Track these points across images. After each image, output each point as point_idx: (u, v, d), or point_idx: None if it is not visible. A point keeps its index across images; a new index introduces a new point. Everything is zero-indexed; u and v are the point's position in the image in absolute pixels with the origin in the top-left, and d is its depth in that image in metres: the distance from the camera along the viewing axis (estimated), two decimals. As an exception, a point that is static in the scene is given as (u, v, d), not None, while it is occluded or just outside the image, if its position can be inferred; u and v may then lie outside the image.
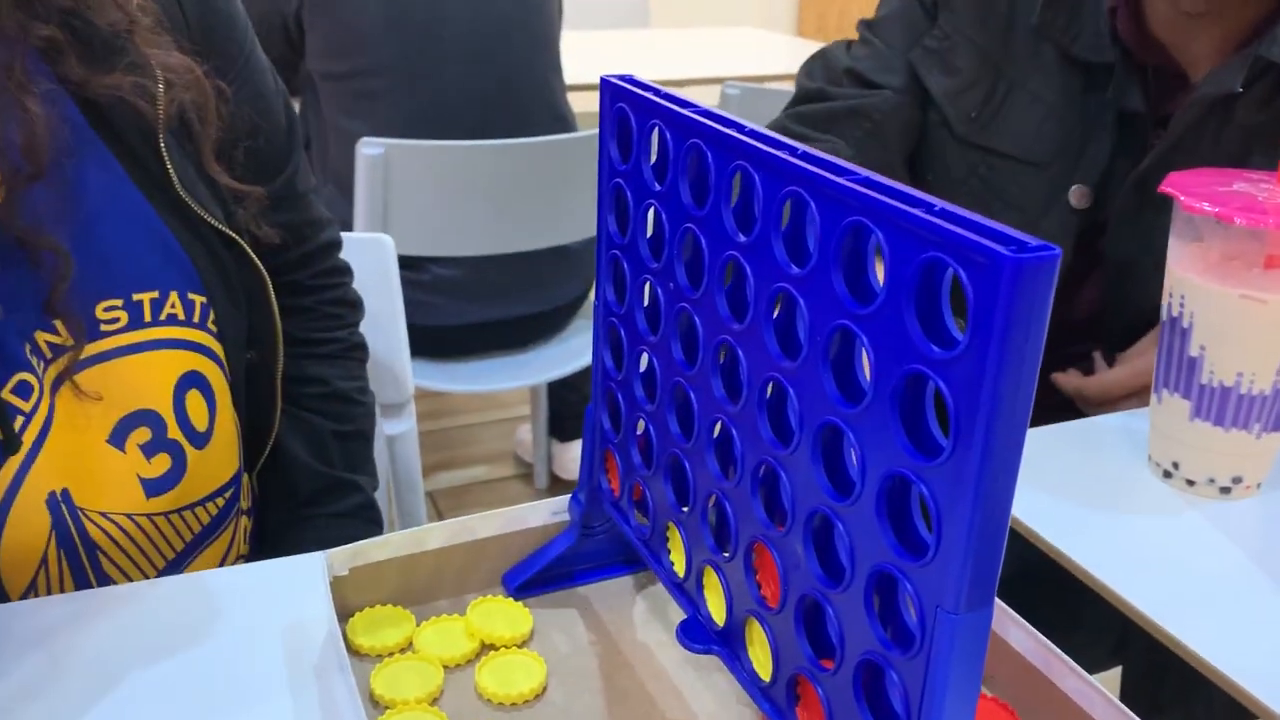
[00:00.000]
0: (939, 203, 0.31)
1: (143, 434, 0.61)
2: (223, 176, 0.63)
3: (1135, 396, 0.81)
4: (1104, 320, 0.86)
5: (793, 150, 0.38)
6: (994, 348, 0.29)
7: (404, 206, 1.45)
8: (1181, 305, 0.64)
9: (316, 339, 0.77)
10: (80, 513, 0.60)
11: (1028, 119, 0.84)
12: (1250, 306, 0.61)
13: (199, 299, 0.63)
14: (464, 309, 1.58)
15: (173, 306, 0.62)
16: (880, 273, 0.34)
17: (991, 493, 0.31)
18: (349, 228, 1.48)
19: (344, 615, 0.54)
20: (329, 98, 1.52)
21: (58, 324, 0.57)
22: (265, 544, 0.74)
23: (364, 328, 0.95)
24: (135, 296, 0.60)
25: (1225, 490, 0.66)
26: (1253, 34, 0.77)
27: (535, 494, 2.01)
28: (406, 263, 1.48)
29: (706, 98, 2.06)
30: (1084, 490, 0.67)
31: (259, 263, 0.67)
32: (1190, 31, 0.79)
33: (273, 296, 0.68)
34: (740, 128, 0.41)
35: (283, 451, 0.73)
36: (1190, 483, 0.67)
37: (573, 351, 1.69)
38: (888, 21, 0.92)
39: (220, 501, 0.67)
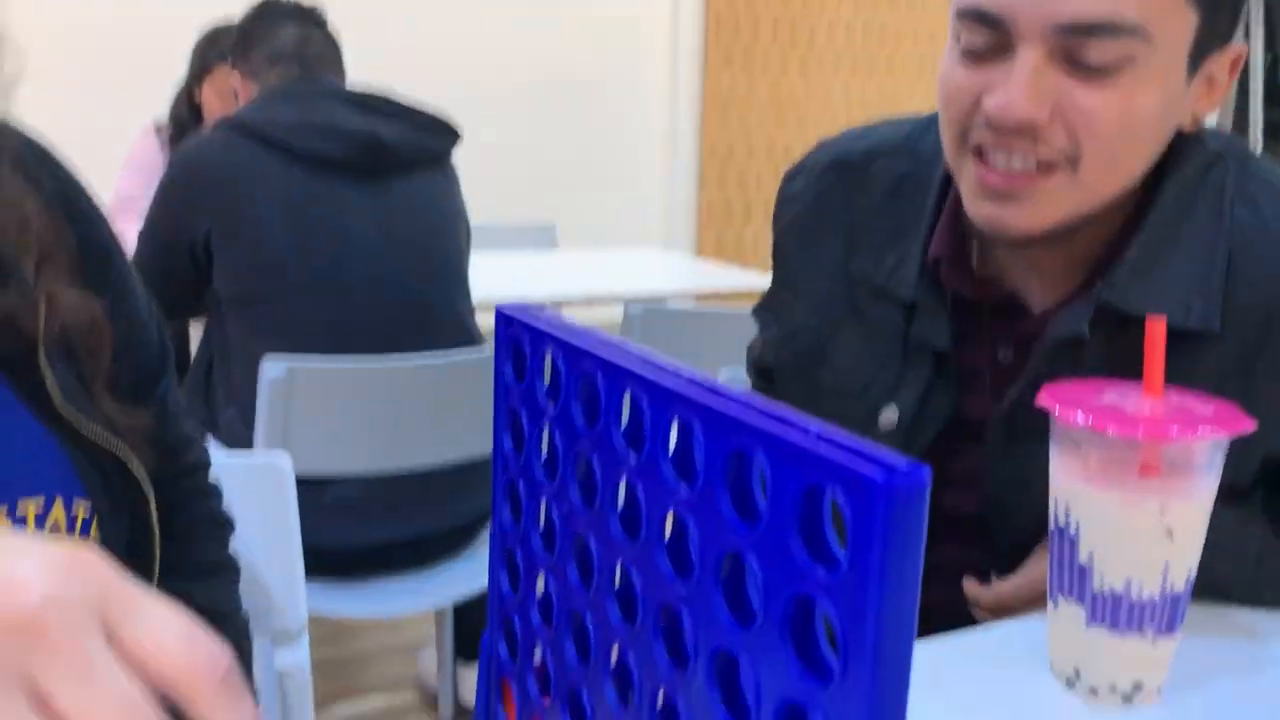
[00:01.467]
0: (816, 426, 0.32)
1: None
2: (110, 406, 0.63)
3: (1031, 605, 0.82)
4: (988, 540, 0.87)
5: (677, 374, 0.39)
6: (874, 567, 0.29)
7: (306, 425, 1.44)
8: (1068, 514, 0.66)
9: (181, 559, 0.74)
10: None
11: (848, 354, 0.90)
12: (1131, 512, 0.63)
13: (82, 508, 0.61)
14: (365, 529, 1.54)
15: (56, 514, 0.60)
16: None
17: (883, 714, 0.30)
18: (249, 448, 1.45)
19: None
20: (234, 319, 1.53)
21: None
22: None
23: (257, 553, 0.92)
24: (21, 505, 0.58)
25: (1127, 698, 0.66)
26: (1087, 269, 0.82)
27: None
28: (306, 483, 1.46)
29: (611, 315, 2.12)
30: (989, 702, 0.66)
31: (143, 477, 0.65)
32: (1024, 270, 0.84)
33: (154, 512, 0.66)
34: (628, 351, 0.42)
35: None
36: (1093, 691, 0.67)
37: (479, 570, 1.65)
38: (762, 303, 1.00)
39: None
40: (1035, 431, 0.82)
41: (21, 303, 0.59)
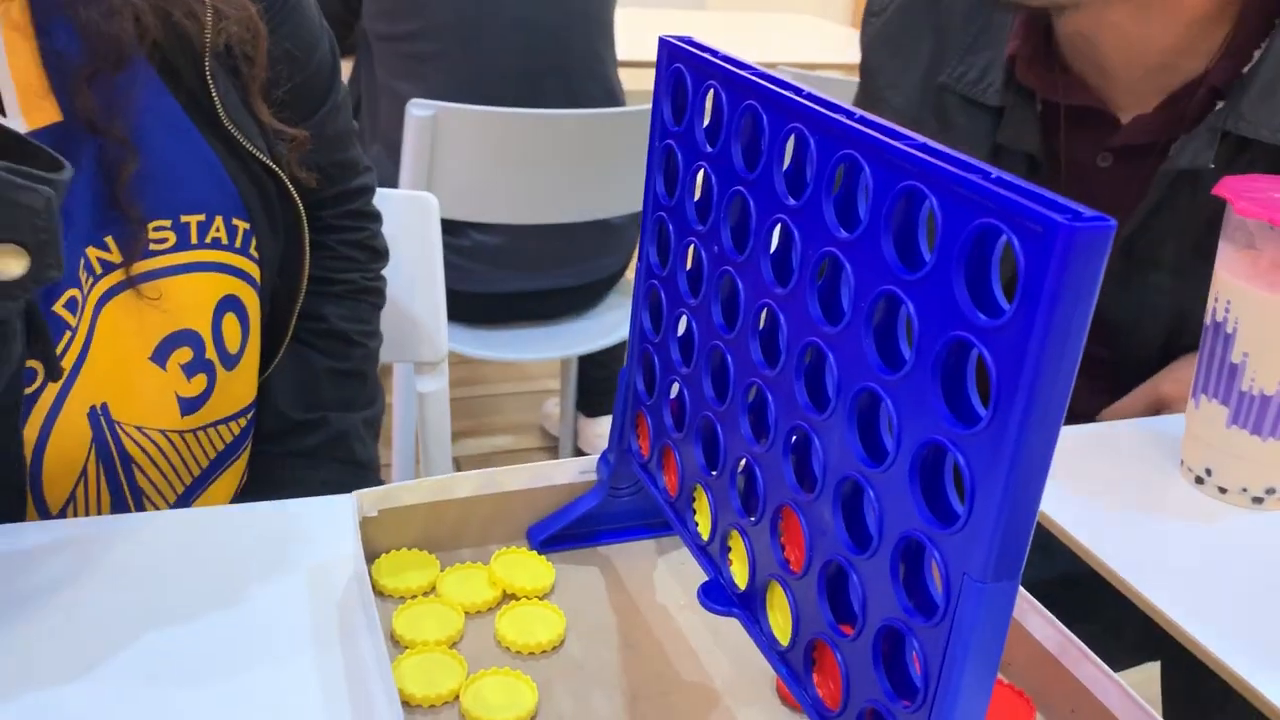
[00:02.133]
0: (995, 170, 0.31)
1: (184, 353, 0.63)
2: (266, 115, 0.64)
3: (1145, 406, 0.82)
4: (1102, 371, 0.85)
5: (850, 114, 0.37)
6: (1041, 317, 0.29)
7: (450, 170, 1.46)
8: (1227, 311, 0.63)
9: (328, 278, 0.78)
10: (118, 427, 0.61)
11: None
12: (1298, 315, 0.60)
13: (242, 225, 0.64)
14: (502, 277, 1.59)
15: (217, 230, 0.63)
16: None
17: (1027, 464, 0.31)
18: (394, 186, 1.49)
19: (370, 556, 0.55)
20: (382, 58, 1.53)
21: (109, 240, 0.58)
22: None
23: (404, 285, 0.95)
24: (183, 218, 0.61)
25: (1258, 500, 0.65)
26: (1171, 78, 0.77)
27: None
28: (448, 227, 1.49)
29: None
30: (1114, 493, 0.66)
31: (297, 197, 0.68)
32: (1100, 73, 0.80)
33: (306, 231, 0.69)
34: (798, 90, 0.41)
35: (267, 383, 0.74)
36: (1222, 490, 0.66)
37: (606, 327, 1.69)
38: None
39: (242, 422, 0.68)
40: (1153, 261, 0.80)
41: (189, 10, 0.60)
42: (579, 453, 2.05)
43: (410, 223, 0.99)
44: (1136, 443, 0.72)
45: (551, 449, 2.11)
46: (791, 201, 0.40)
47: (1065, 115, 0.83)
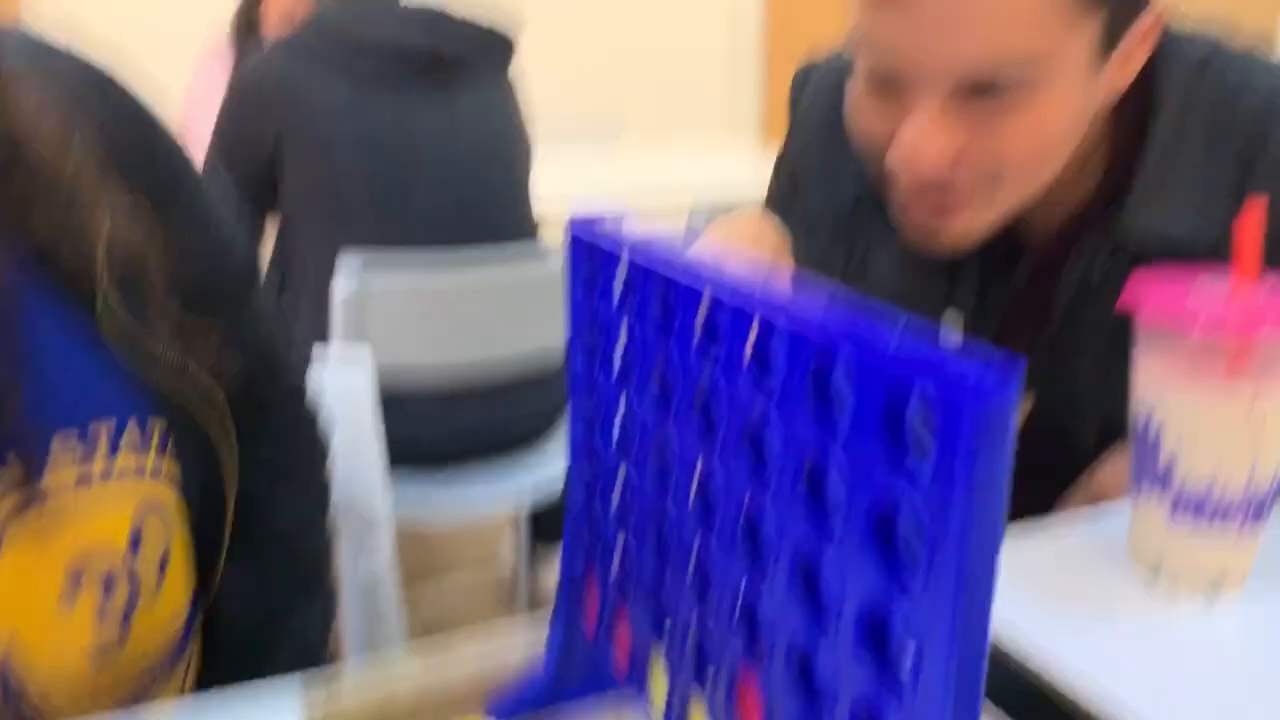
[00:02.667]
0: (902, 328, 0.32)
1: (95, 574, 0.59)
2: (174, 313, 0.63)
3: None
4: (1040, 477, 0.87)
5: (754, 283, 0.38)
6: (962, 468, 0.29)
7: (379, 333, 1.46)
8: (1151, 412, 0.64)
9: (268, 483, 0.75)
10: (25, 683, 0.57)
11: (892, 264, 0.87)
12: (1217, 407, 0.62)
13: (159, 424, 0.62)
14: (444, 419, 1.58)
15: (131, 433, 0.61)
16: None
17: (968, 616, 0.30)
18: (324, 341, 1.48)
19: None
20: (304, 223, 1.55)
21: (10, 457, 0.55)
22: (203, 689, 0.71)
23: (340, 447, 0.93)
24: (92, 425, 0.59)
25: (1210, 589, 0.66)
26: (1082, 190, 0.80)
27: (516, 611, 1.98)
28: (385, 376, 1.49)
29: (678, 204, 2.09)
30: (1066, 593, 0.66)
31: (217, 395, 0.65)
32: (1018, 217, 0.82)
33: (231, 428, 0.67)
34: (701, 259, 0.41)
35: (219, 601, 0.71)
36: (1175, 583, 0.66)
37: (557, 462, 1.68)
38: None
39: (174, 636, 0.64)
40: (1077, 349, 0.82)
41: (82, 227, 0.58)
42: (535, 595, 2.01)
43: (345, 380, 0.98)
44: (1083, 542, 0.73)
45: (507, 594, 2.06)
46: (709, 368, 0.41)
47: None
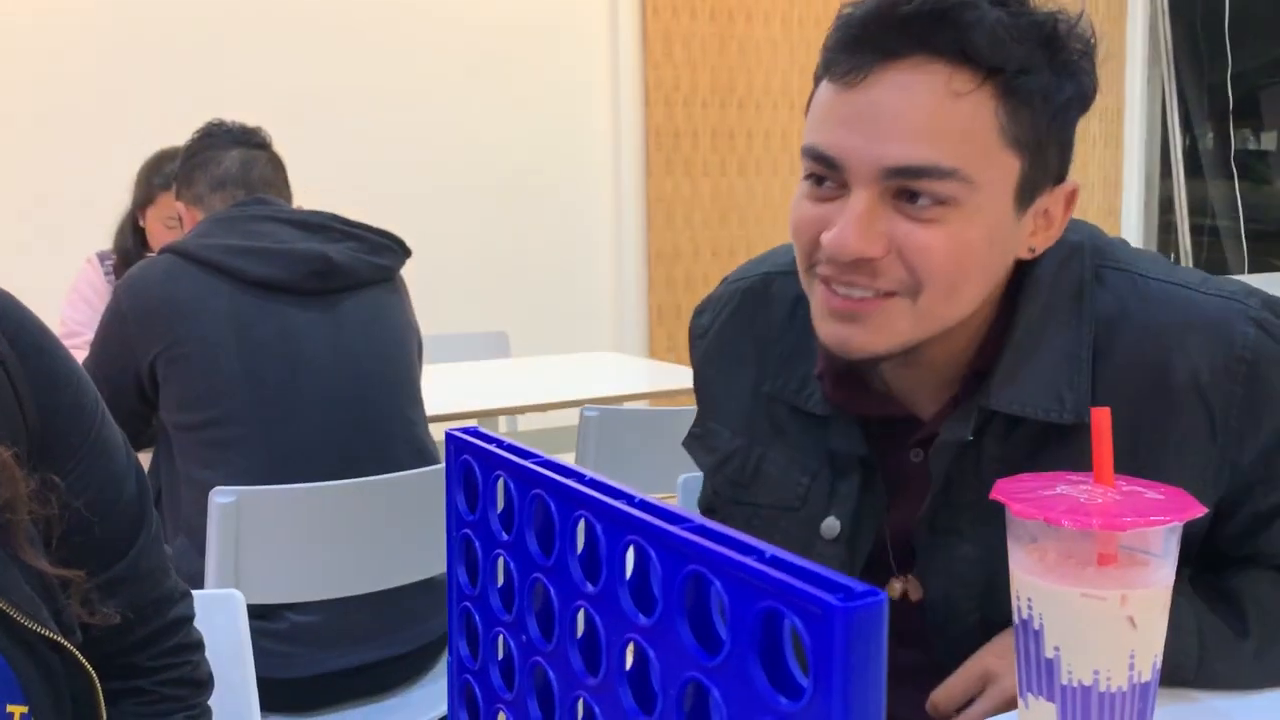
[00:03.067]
0: (770, 550, 0.32)
1: None
2: (41, 564, 0.60)
3: (983, 697, 0.82)
4: (925, 679, 0.87)
5: (630, 499, 0.38)
6: (837, 692, 0.29)
7: (258, 554, 1.40)
8: (1030, 608, 0.66)
9: (154, 707, 0.71)
10: None
11: (779, 470, 0.93)
12: (1092, 604, 0.63)
13: (18, 710, 0.58)
14: (326, 656, 1.50)
15: None
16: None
17: None
18: (200, 579, 1.41)
19: None
20: (182, 448, 1.50)
21: None
22: None
23: (214, 687, 0.88)
24: None
25: (1107, 794, 0.65)
26: (963, 375, 0.86)
27: None
28: (261, 612, 1.41)
29: (568, 418, 2.09)
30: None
31: (88, 665, 0.62)
32: (906, 383, 0.88)
33: (101, 701, 0.63)
34: (580, 477, 0.42)
35: None
36: (1072, 790, 0.66)
37: (442, 693, 1.60)
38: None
39: None
40: (956, 533, 0.86)
41: None
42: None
43: (217, 622, 0.93)
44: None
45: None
46: (589, 587, 0.40)
47: (877, 424, 0.89)
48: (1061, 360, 0.82)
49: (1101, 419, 0.65)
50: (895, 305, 0.77)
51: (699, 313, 1.02)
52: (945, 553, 0.86)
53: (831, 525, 0.89)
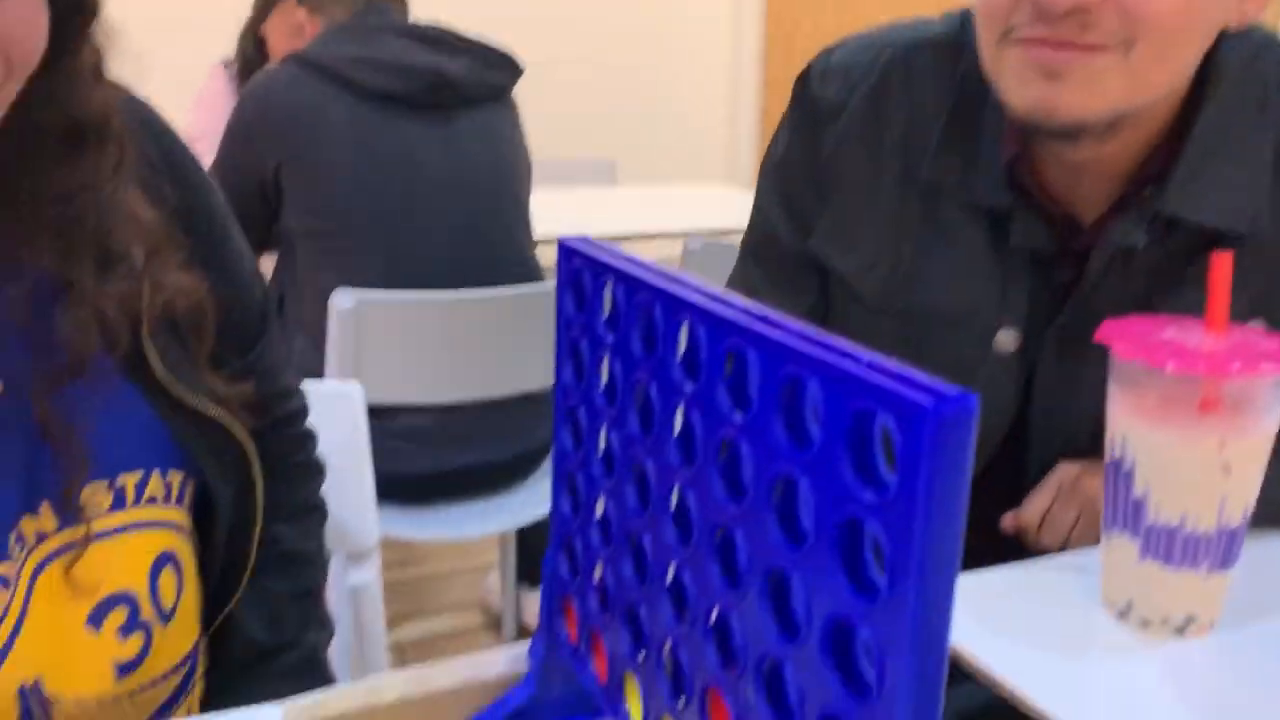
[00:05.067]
0: (868, 355, 0.34)
1: (119, 616, 0.61)
2: (215, 381, 0.65)
3: (1070, 510, 0.83)
4: (1029, 464, 0.87)
5: (733, 305, 0.40)
6: (921, 491, 0.31)
7: (375, 356, 1.47)
8: (1123, 448, 0.66)
9: (277, 501, 0.77)
10: (50, 703, 0.59)
11: (939, 277, 0.84)
12: (1188, 449, 0.63)
13: (177, 477, 0.64)
14: (434, 456, 1.59)
15: (154, 486, 0.62)
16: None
17: (928, 630, 0.32)
18: (320, 377, 1.50)
19: (298, 771, 0.53)
20: (304, 252, 1.56)
21: (43, 508, 0.57)
22: (212, 705, 0.73)
23: (332, 475, 0.95)
24: (120, 479, 0.61)
25: (1180, 629, 0.67)
26: (1131, 179, 0.80)
27: (503, 643, 1.97)
28: (377, 412, 1.50)
29: (671, 250, 2.11)
30: (1040, 630, 0.67)
31: (245, 440, 0.68)
32: (1071, 180, 0.81)
33: (256, 466, 0.69)
34: (686, 284, 0.43)
35: (234, 614, 0.73)
36: (1145, 623, 0.68)
37: (542, 496, 1.69)
38: (768, 243, 0.93)
39: (180, 676, 0.66)
40: (1087, 348, 0.77)
41: (129, 289, 0.60)
42: (522, 626, 2.01)
43: (337, 414, 1.00)
44: (1057, 579, 0.74)
45: (494, 626, 2.06)
46: (689, 387, 0.42)
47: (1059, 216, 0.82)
48: (1244, 167, 0.77)
49: (1222, 263, 0.64)
50: (1106, 60, 0.70)
51: (821, 80, 0.88)
52: (1069, 369, 0.83)
53: (1007, 338, 0.83)
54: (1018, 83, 0.74)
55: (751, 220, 0.96)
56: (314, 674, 0.77)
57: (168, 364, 0.62)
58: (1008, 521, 0.86)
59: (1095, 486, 0.83)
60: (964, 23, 0.86)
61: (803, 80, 0.90)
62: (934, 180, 0.83)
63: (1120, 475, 0.66)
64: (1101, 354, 0.73)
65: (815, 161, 0.88)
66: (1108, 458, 0.68)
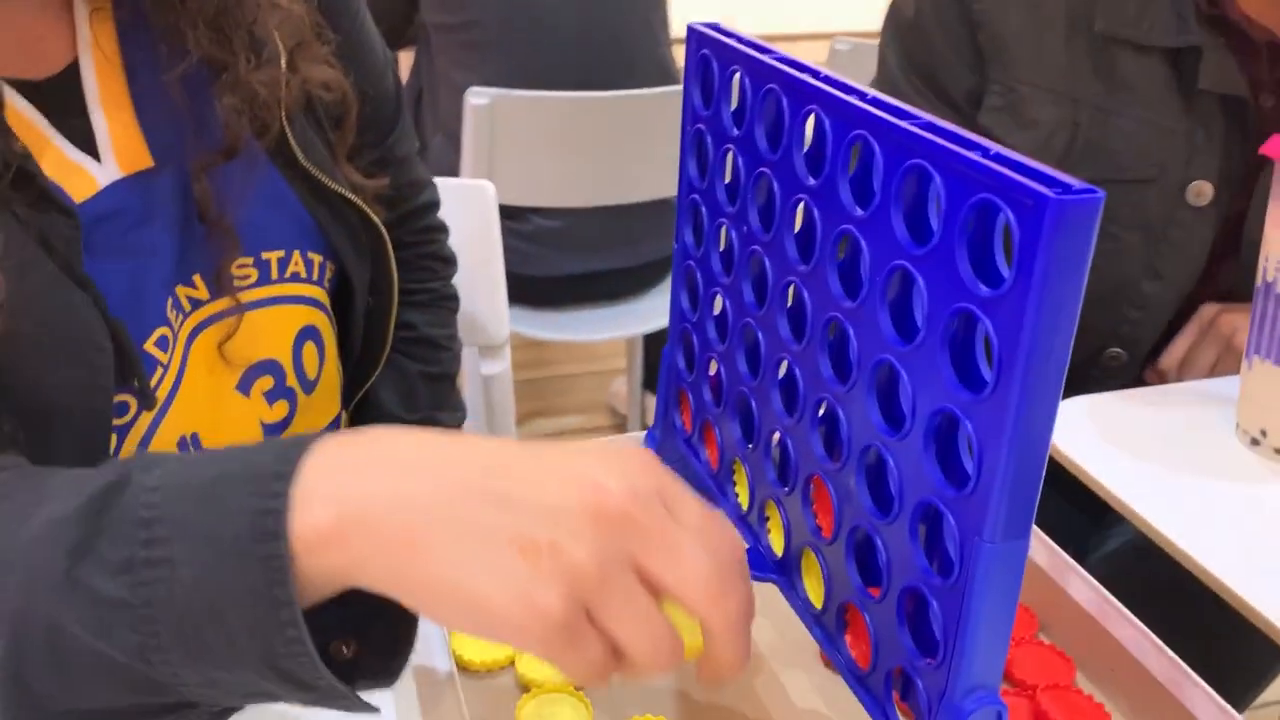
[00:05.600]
0: (994, 147, 0.32)
1: (266, 382, 0.66)
2: (353, 175, 0.67)
3: (1210, 349, 0.80)
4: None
5: (862, 95, 0.39)
6: (1035, 286, 0.30)
7: (509, 156, 1.48)
8: (1278, 270, 0.62)
9: (410, 288, 0.81)
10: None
11: (1123, 137, 0.79)
12: (1350, 272, 0.59)
13: (318, 258, 0.67)
14: (564, 260, 1.62)
15: (296, 264, 0.66)
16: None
17: (1029, 427, 0.32)
18: (456, 175, 1.52)
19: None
20: (440, 49, 1.56)
21: (197, 278, 0.62)
22: None
23: (464, 271, 0.98)
24: (264, 255, 0.64)
25: (1314, 461, 0.65)
26: None
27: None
28: (509, 212, 1.52)
29: (817, 53, 2.02)
30: (1171, 455, 0.66)
31: (379, 224, 0.70)
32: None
33: (391, 251, 0.72)
34: (815, 73, 0.42)
35: (372, 391, 0.77)
36: (1278, 451, 0.66)
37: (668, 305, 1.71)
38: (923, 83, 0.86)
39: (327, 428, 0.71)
40: None
41: (277, 76, 0.61)
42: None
43: (470, 210, 1.02)
44: (1191, 404, 0.72)
45: (620, 427, 2.14)
46: (811, 181, 0.42)
47: (1253, 56, 0.75)
48: None
49: None
50: None
51: None
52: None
53: (1201, 190, 0.78)
54: None
55: (876, 85, 0.89)
56: None
57: (310, 152, 0.65)
58: (1150, 373, 0.84)
59: (1236, 323, 0.79)
60: None
61: None
62: (1109, 28, 0.76)
63: (1270, 298, 0.63)
64: None
65: (966, 22, 0.81)
66: (1259, 280, 0.64)
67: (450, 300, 0.86)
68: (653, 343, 1.95)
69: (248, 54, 0.60)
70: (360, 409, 0.78)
